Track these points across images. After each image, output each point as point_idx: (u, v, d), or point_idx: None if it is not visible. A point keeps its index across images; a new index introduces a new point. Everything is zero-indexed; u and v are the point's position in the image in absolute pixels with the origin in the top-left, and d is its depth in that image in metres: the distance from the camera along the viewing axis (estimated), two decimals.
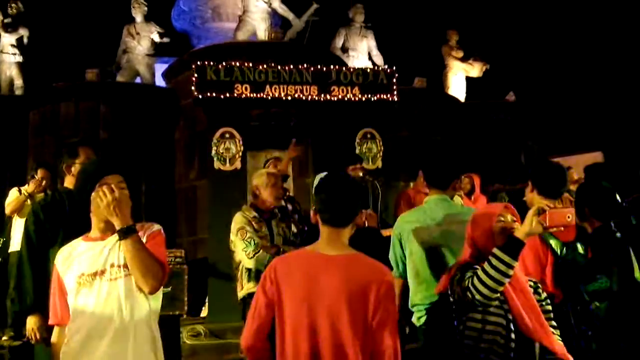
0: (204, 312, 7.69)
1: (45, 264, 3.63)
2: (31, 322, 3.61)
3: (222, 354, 6.49)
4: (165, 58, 11.25)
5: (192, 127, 9.18)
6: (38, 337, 3.58)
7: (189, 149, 9.23)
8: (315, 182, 5.80)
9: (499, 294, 2.64)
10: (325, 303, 2.30)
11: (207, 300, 7.61)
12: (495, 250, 2.64)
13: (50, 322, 2.55)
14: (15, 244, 6.56)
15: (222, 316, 6.95)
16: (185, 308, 5.89)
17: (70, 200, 3.78)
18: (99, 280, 2.56)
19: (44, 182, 6.60)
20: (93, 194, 2.54)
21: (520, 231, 2.68)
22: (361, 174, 5.75)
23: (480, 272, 2.64)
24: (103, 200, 2.48)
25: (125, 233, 2.49)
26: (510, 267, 2.60)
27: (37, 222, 3.73)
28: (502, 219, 2.81)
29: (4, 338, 6.36)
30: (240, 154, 7.87)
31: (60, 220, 3.70)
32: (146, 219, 3.34)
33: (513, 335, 2.65)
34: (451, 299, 2.80)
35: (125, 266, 2.54)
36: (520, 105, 11.36)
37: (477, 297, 2.62)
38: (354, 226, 2.53)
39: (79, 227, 3.61)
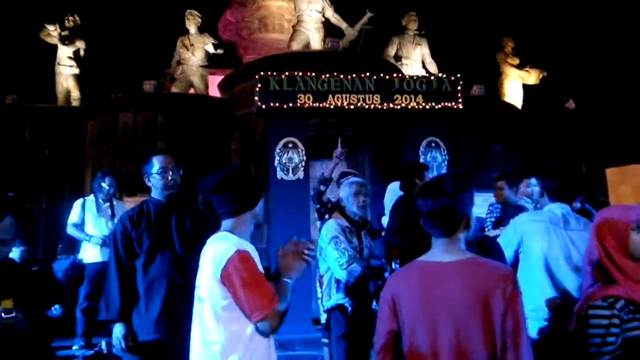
0: None
1: (131, 273, 3.68)
2: (117, 331, 3.63)
3: None
4: (212, 69, 11.31)
5: (249, 137, 9.16)
6: (124, 345, 3.61)
7: (245, 159, 9.19)
8: (390, 192, 5.72)
9: None
10: (448, 313, 2.15)
11: None
12: None
13: (261, 314, 2.42)
14: (86, 256, 6.57)
15: (288, 327, 6.84)
16: None
17: (156, 209, 3.77)
18: None
19: (111, 190, 6.61)
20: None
21: None
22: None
23: None
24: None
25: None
26: None
27: (124, 233, 3.73)
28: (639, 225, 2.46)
29: (75, 347, 6.36)
30: (304, 163, 7.79)
31: (146, 230, 3.70)
32: None
33: None
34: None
35: None
36: (580, 112, 11.10)
37: None
38: (467, 228, 2.32)
39: (166, 235, 3.66)
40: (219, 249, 2.48)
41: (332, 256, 4.24)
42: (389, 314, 2.30)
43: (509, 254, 3.51)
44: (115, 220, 6.34)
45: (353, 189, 4.47)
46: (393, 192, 5.59)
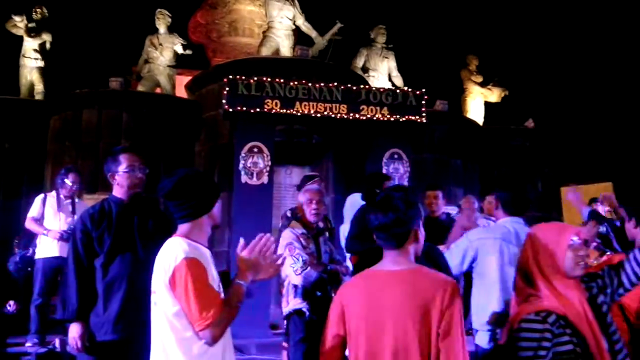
0: None
1: (90, 273, 3.63)
2: (73, 331, 3.58)
3: None
4: (179, 69, 11.29)
5: (214, 140, 9.17)
6: (80, 345, 3.56)
7: (210, 162, 9.19)
8: (349, 202, 5.84)
9: None
10: (389, 319, 2.23)
11: None
12: None
13: (203, 323, 2.36)
14: (42, 251, 6.49)
15: (245, 332, 6.89)
16: None
17: (118, 209, 3.73)
18: (219, 289, 2.54)
19: (74, 187, 6.56)
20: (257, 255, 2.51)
21: None
22: None
23: None
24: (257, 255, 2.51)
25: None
26: None
27: (84, 231, 3.66)
28: (574, 244, 2.57)
29: (28, 344, 6.26)
30: (268, 168, 7.84)
31: (107, 230, 3.65)
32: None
33: None
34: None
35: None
36: (539, 132, 11.44)
37: None
38: (416, 241, 2.39)
39: (128, 235, 3.66)
40: (168, 256, 2.45)
41: (287, 262, 4.29)
42: (336, 319, 2.39)
43: (463, 265, 3.62)
44: (76, 217, 6.29)
45: (306, 197, 4.59)
46: (352, 203, 5.75)
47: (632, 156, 14.54)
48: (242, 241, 2.54)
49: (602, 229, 4.22)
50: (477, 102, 11.88)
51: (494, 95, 11.87)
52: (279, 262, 2.55)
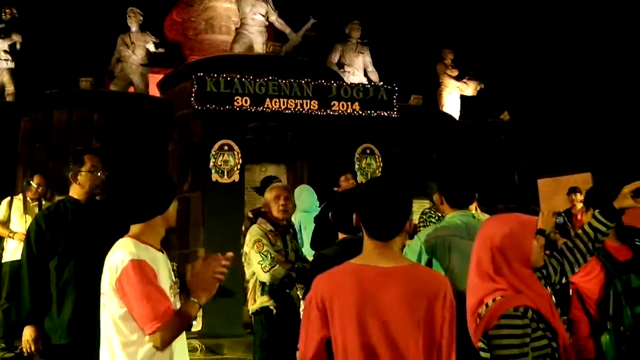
0: (197, 327, 7.55)
1: (45, 275, 3.60)
2: (27, 334, 3.54)
3: None
4: (155, 68, 11.20)
5: (187, 139, 9.09)
6: (33, 348, 3.52)
7: (183, 161, 9.13)
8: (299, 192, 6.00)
9: None
10: (385, 320, 2.07)
11: (200, 314, 7.49)
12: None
13: (153, 327, 2.30)
14: (8, 254, 6.42)
15: (217, 331, 6.85)
16: None
17: (74, 210, 3.69)
18: (172, 293, 2.51)
19: (40, 189, 6.50)
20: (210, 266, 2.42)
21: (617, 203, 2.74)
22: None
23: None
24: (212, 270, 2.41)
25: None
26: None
27: (39, 232, 3.62)
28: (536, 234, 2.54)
29: None
30: (239, 166, 7.76)
31: (62, 231, 3.62)
32: None
33: None
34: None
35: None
36: (514, 124, 11.46)
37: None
38: (404, 234, 2.29)
39: (83, 237, 3.61)
40: (115, 257, 2.40)
41: (255, 259, 4.29)
42: (319, 319, 2.14)
43: None
44: None
45: (273, 194, 4.57)
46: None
47: (608, 146, 14.65)
48: (202, 253, 2.51)
49: (560, 219, 4.20)
50: (453, 96, 11.87)
51: (470, 88, 11.85)
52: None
